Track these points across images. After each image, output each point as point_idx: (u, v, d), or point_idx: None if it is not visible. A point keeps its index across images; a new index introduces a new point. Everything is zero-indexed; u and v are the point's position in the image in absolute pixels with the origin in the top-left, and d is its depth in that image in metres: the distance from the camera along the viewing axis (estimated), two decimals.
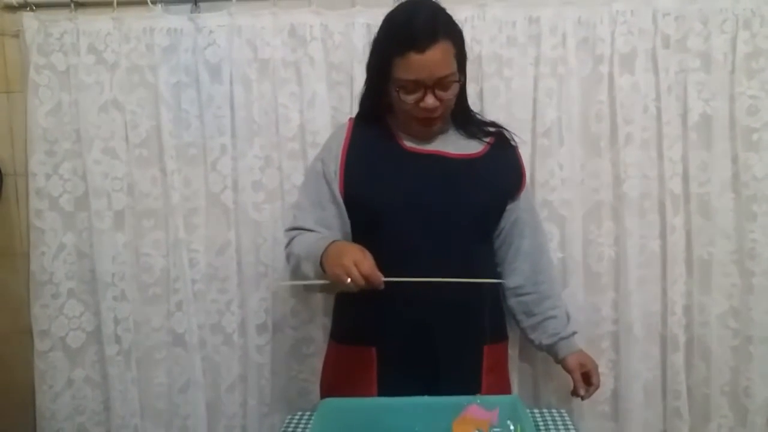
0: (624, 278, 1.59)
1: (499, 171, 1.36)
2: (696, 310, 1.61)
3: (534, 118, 1.58)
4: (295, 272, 1.27)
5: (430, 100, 1.23)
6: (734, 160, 1.57)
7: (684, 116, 1.57)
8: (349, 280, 1.07)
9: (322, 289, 1.22)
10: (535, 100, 1.58)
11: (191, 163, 1.62)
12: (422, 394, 1.20)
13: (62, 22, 1.57)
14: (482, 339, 1.35)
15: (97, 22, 1.57)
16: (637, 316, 1.59)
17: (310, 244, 1.22)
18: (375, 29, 1.53)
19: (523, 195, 1.41)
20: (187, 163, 1.61)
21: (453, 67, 1.23)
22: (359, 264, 1.07)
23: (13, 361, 1.68)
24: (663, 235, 1.60)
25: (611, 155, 1.60)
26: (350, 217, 1.31)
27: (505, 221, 1.40)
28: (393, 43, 1.23)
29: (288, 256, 1.31)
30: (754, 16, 1.53)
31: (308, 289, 1.34)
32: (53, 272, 1.61)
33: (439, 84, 1.22)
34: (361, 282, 1.07)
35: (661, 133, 1.57)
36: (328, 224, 1.31)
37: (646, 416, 1.64)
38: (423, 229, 1.27)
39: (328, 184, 1.33)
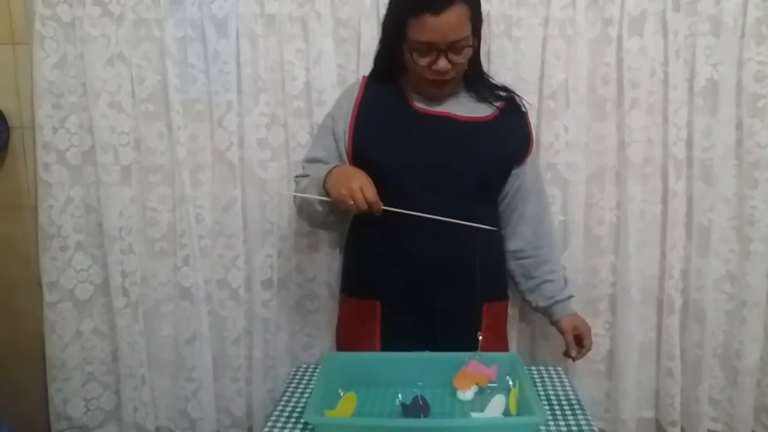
0: (624, 242, 1.62)
1: (507, 135, 1.37)
2: (693, 275, 1.64)
3: (541, 79, 1.58)
4: (300, 205, 1.36)
5: (442, 64, 1.24)
6: (738, 126, 1.57)
7: (691, 81, 1.57)
8: (352, 202, 1.15)
9: (322, 205, 1.27)
10: (542, 62, 1.57)
11: (197, 119, 1.62)
12: (423, 349, 1.25)
13: None
14: (482, 297, 1.38)
15: None
16: (635, 279, 1.62)
17: (315, 174, 1.30)
18: None
19: (530, 161, 1.43)
20: (193, 119, 1.61)
21: (467, 30, 1.24)
22: (365, 189, 1.16)
23: (22, 312, 1.71)
24: (664, 200, 1.62)
25: (617, 119, 1.60)
26: None
27: (510, 186, 1.42)
28: (409, 3, 1.23)
29: (294, 199, 1.40)
30: None
31: (306, 208, 1.34)
32: (61, 225, 1.63)
33: (452, 48, 1.23)
34: (364, 206, 1.15)
35: (667, 97, 1.57)
36: None
37: (640, 376, 1.68)
38: (427, 188, 1.29)
39: (336, 141, 1.37)
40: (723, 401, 1.68)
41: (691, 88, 1.57)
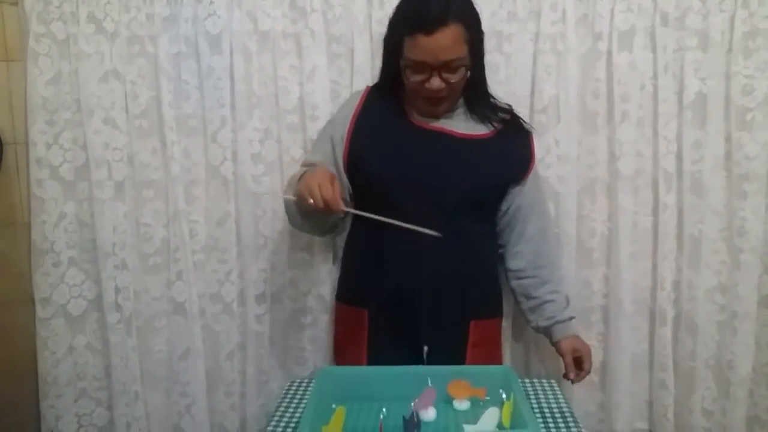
0: (615, 254, 1.63)
1: (504, 154, 1.37)
2: (684, 286, 1.65)
3: (532, 94, 1.60)
4: (284, 206, 1.38)
5: (435, 83, 1.25)
6: (727, 139, 1.59)
7: (680, 95, 1.59)
8: (310, 200, 1.14)
9: (294, 205, 1.29)
10: (533, 77, 1.59)
11: (191, 135, 1.62)
12: (408, 359, 1.26)
13: None
14: (469, 314, 1.39)
15: None
16: (627, 290, 1.63)
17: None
18: (375, 2, 1.55)
19: (531, 179, 1.43)
20: (187, 134, 1.62)
21: (462, 51, 1.24)
22: (322, 187, 1.14)
23: (15, 328, 1.70)
24: (655, 212, 1.64)
25: (607, 132, 1.62)
26: (352, 181, 1.35)
27: (508, 204, 1.42)
28: (404, 22, 1.24)
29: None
30: None
31: (285, 208, 1.39)
32: (54, 241, 1.62)
33: (445, 67, 1.23)
34: (320, 203, 1.14)
35: (657, 111, 1.59)
36: None
37: (633, 387, 1.69)
38: (418, 202, 1.30)
39: (333, 147, 1.38)
40: (716, 412, 1.68)
41: (680, 102, 1.59)
